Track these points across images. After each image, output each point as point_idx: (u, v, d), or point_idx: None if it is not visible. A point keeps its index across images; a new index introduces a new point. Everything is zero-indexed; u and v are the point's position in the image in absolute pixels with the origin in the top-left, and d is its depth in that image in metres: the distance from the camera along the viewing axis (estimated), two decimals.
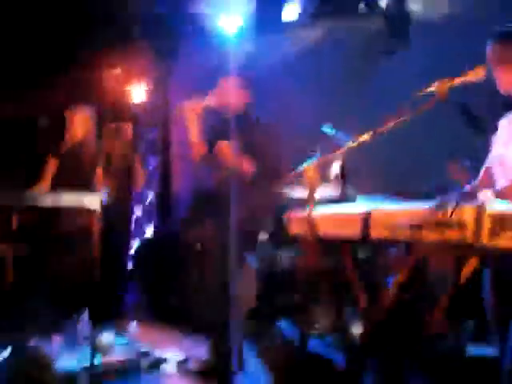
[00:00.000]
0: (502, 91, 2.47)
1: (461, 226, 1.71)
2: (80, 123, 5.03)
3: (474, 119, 3.41)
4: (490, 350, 3.25)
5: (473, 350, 4.11)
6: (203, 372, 3.76)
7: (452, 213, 1.73)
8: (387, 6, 6.27)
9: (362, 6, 6.38)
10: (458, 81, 2.25)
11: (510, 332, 2.15)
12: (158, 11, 7.25)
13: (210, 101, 3.83)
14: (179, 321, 5.39)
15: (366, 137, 2.32)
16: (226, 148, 3.77)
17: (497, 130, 2.51)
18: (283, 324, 3.45)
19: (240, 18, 6.86)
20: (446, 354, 4.08)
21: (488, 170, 2.45)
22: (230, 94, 3.81)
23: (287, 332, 3.26)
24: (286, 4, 6.69)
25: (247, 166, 3.75)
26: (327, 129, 4.75)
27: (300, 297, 2.54)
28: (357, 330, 4.19)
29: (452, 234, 1.74)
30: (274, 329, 3.36)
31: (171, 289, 5.94)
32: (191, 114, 3.85)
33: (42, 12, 6.13)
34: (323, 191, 5.00)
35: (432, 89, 2.27)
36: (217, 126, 3.89)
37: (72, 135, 5.06)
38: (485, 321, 2.76)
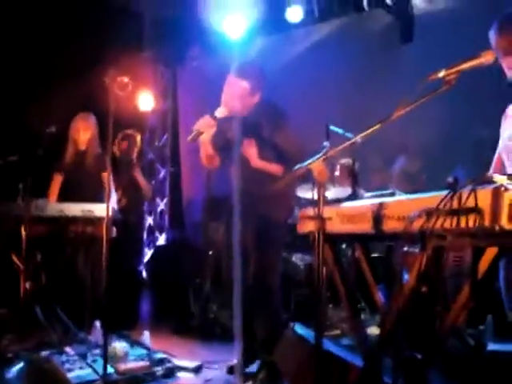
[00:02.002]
0: (508, 77, 2.44)
1: (477, 211, 1.64)
2: (84, 131, 4.99)
3: None
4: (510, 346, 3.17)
5: (493, 345, 4.02)
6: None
7: (467, 199, 1.66)
8: (392, 1, 6.20)
9: (365, 3, 6.31)
10: (466, 65, 2.18)
11: None
12: (165, 18, 7.23)
13: (221, 112, 3.67)
14: (195, 329, 5.36)
15: (375, 127, 2.25)
16: (248, 146, 3.68)
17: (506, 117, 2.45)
18: (297, 326, 3.37)
19: (245, 21, 6.85)
20: (465, 350, 4.00)
21: (500, 157, 2.40)
22: (234, 92, 3.70)
23: (302, 333, 3.18)
24: (289, 6, 6.64)
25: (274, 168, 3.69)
26: (335, 128, 4.70)
27: (314, 298, 2.46)
28: (374, 330, 4.13)
29: (469, 221, 1.67)
30: (289, 330, 3.28)
31: (186, 296, 5.88)
32: (206, 132, 3.71)
33: (47, 20, 6.13)
34: (333, 192, 4.97)
35: (440, 74, 2.20)
36: (231, 133, 3.78)
37: (76, 143, 5.02)
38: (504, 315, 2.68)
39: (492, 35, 2.70)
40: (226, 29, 6.95)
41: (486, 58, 2.19)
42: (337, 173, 5.36)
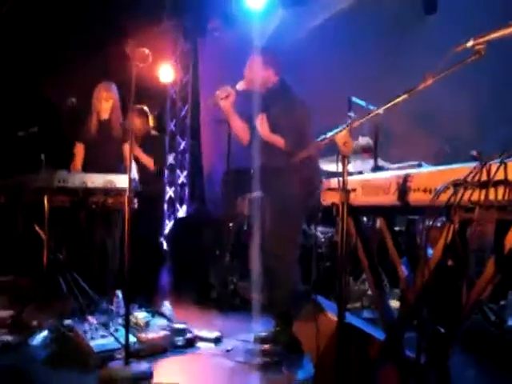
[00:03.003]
0: None
1: (507, 183, 1.61)
2: (106, 100, 4.98)
3: None
4: None
5: None
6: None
7: (496, 171, 1.63)
8: None
9: None
10: (496, 34, 2.11)
11: None
12: None
13: (241, 85, 3.98)
14: (215, 300, 5.40)
15: (403, 96, 2.20)
16: (262, 120, 3.93)
17: None
18: (319, 298, 3.37)
19: None
20: (486, 325, 3.98)
21: None
22: (258, 72, 3.98)
23: (323, 306, 3.18)
24: None
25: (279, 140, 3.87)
26: (358, 100, 4.64)
27: (338, 269, 2.45)
28: (394, 303, 4.12)
29: (498, 194, 1.64)
30: (312, 303, 3.28)
31: (206, 268, 5.92)
32: (226, 103, 3.97)
33: None
34: (354, 165, 4.93)
35: (469, 44, 2.13)
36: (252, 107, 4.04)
37: (99, 113, 5.01)
38: None
39: None
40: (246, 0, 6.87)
41: None
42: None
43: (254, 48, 4.16)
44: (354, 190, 2.47)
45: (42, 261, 4.15)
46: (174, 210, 8.88)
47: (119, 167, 4.91)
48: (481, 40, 2.15)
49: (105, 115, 5.02)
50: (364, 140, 4.84)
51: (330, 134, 2.41)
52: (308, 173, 3.95)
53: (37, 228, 4.34)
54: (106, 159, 4.89)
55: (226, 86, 3.95)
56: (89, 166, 4.93)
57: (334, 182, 2.64)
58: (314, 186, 4.37)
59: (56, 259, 4.31)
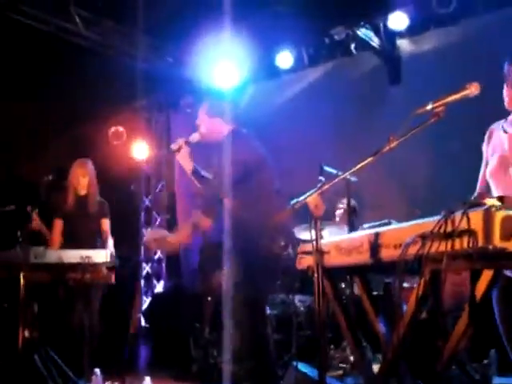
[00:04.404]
0: (509, 108, 2.54)
1: (471, 232, 1.69)
2: (83, 176, 5.04)
3: None
4: None
5: (498, 379, 3.99)
6: None
7: (460, 222, 1.71)
8: (379, 45, 6.37)
9: (353, 47, 6.48)
10: (452, 98, 2.26)
11: None
12: (158, 68, 7.38)
13: (194, 137, 3.94)
14: (196, 374, 5.30)
15: (369, 159, 2.31)
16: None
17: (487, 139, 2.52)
18: (300, 365, 3.36)
19: (236, 69, 7.01)
20: None
21: (484, 177, 2.46)
22: (205, 122, 3.97)
23: (305, 373, 3.17)
24: (279, 52, 6.82)
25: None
26: (329, 168, 4.77)
27: (318, 337, 2.47)
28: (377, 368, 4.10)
29: (463, 243, 1.72)
30: (292, 369, 3.27)
31: (186, 342, 5.84)
32: (180, 155, 3.92)
33: (41, 72, 6.24)
34: (330, 232, 5.01)
35: (428, 107, 2.27)
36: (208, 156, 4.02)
37: (76, 189, 5.06)
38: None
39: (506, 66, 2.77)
40: (217, 78, 7.12)
41: (471, 90, 2.27)
42: (338, 214, 5.46)
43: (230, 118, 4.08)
44: (328, 252, 2.53)
45: (17, 340, 4.08)
46: (151, 286, 8.79)
47: (96, 242, 4.93)
48: (439, 103, 2.30)
49: (82, 191, 5.07)
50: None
51: (301, 198, 2.50)
52: (280, 238, 3.95)
53: (11, 306, 4.28)
54: (83, 234, 4.94)
55: (179, 139, 3.95)
56: (66, 242, 4.95)
57: (308, 246, 2.69)
58: (288, 253, 4.42)
59: (32, 338, 4.23)
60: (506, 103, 2.62)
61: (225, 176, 3.71)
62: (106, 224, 5.11)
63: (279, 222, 3.57)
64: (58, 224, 5.08)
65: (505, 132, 2.37)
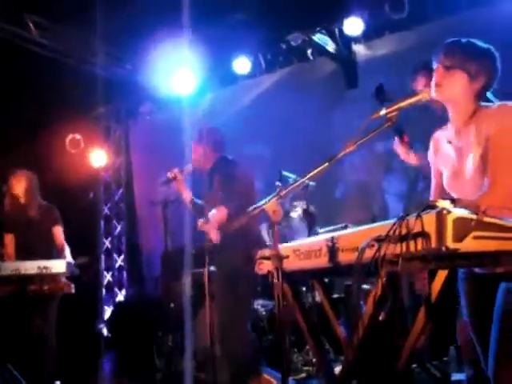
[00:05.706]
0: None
1: (424, 235, 1.73)
2: (17, 183, 4.86)
3: None
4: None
5: (457, 375, 4.09)
6: None
7: (414, 225, 1.75)
8: (335, 50, 6.46)
9: (309, 52, 6.56)
10: (405, 103, 2.30)
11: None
12: (116, 75, 7.34)
13: (188, 168, 4.26)
14: (160, 383, 5.27)
15: (325, 165, 2.35)
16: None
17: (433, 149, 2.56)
18: (268, 370, 3.39)
19: (193, 76, 7.02)
20: (432, 381, 4.06)
21: (436, 187, 2.51)
22: (196, 151, 4.28)
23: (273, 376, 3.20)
24: (236, 58, 6.85)
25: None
26: (287, 173, 4.81)
27: (280, 341, 2.49)
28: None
29: (417, 245, 1.76)
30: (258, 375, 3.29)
31: (150, 350, 5.80)
32: (176, 184, 4.26)
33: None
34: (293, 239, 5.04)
35: (382, 113, 2.31)
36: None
37: (13, 197, 4.89)
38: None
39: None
40: (175, 85, 7.11)
41: (423, 95, 2.32)
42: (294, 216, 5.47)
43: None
44: (287, 256, 2.55)
45: None
46: (113, 295, 8.70)
47: (50, 251, 4.79)
48: (392, 108, 2.34)
49: (21, 200, 4.89)
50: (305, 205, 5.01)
51: (260, 204, 2.52)
52: (248, 244, 3.98)
53: None
54: (33, 243, 4.78)
55: (174, 169, 4.22)
56: (20, 254, 4.80)
57: (267, 251, 2.71)
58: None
59: None
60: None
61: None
62: (58, 232, 4.88)
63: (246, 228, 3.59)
64: (8, 238, 4.90)
65: (449, 142, 2.42)
